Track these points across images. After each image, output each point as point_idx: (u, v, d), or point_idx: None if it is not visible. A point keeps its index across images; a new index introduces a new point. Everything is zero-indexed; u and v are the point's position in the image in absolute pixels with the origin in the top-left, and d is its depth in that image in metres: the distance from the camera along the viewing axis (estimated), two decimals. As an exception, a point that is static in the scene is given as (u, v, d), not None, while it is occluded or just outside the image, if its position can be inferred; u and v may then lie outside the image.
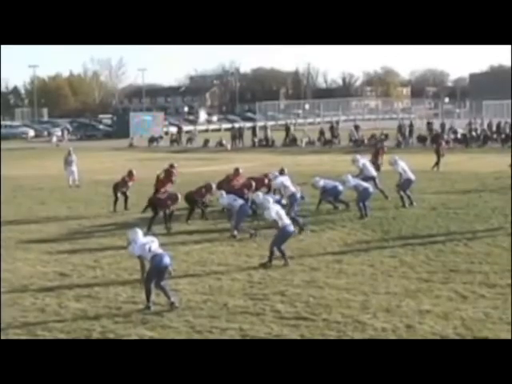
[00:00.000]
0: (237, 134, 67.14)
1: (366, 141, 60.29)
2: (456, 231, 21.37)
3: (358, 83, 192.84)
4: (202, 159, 49.44)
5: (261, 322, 13.49)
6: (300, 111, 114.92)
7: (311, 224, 22.82)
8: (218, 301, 14.85)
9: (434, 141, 56.81)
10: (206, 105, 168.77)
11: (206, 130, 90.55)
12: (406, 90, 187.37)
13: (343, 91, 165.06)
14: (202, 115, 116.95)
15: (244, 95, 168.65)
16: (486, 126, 61.73)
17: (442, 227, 22.19)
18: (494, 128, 60.61)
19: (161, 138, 72.99)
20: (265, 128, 68.44)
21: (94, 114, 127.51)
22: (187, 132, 75.78)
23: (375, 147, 38.70)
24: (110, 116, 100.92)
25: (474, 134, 58.87)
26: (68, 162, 36.22)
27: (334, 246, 19.80)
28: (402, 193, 26.02)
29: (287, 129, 67.60)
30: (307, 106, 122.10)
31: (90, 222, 24.95)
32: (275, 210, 17.67)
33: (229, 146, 61.71)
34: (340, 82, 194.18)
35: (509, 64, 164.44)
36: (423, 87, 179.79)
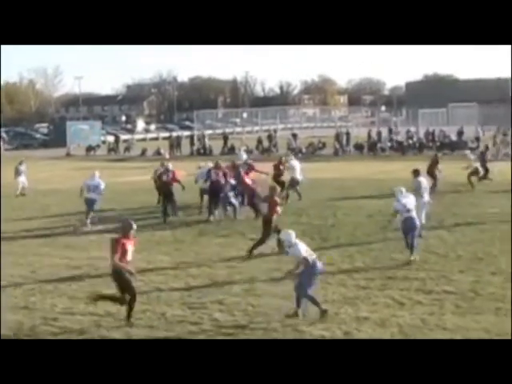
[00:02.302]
0: (175, 143, 67.08)
1: (303, 149, 60.49)
2: (393, 238, 21.50)
3: (295, 92, 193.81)
4: (140, 168, 49.09)
5: (199, 331, 13.46)
6: (238, 120, 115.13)
7: (257, 232, 22.73)
8: (156, 310, 14.78)
9: (370, 149, 57.58)
10: (144, 113, 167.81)
11: (144, 139, 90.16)
12: (344, 99, 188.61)
13: (281, 100, 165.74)
14: (140, 124, 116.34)
15: (182, 104, 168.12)
16: (422, 135, 62.41)
17: (378, 234, 22.39)
18: (431, 136, 61.34)
19: (98, 146, 72.52)
20: (203, 137, 68.38)
21: (30, 123, 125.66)
22: (125, 141, 75.41)
23: (432, 159, 33.54)
24: (46, 125, 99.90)
25: (410, 141, 59.55)
26: (18, 172, 36.33)
27: (272, 254, 19.81)
28: (292, 190, 30.04)
29: (225, 138, 67.71)
30: (245, 115, 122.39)
31: (26, 231, 24.60)
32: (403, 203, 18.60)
33: (167, 155, 61.39)
34: (278, 90, 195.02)
35: (443, 73, 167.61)
36: (360, 96, 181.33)
